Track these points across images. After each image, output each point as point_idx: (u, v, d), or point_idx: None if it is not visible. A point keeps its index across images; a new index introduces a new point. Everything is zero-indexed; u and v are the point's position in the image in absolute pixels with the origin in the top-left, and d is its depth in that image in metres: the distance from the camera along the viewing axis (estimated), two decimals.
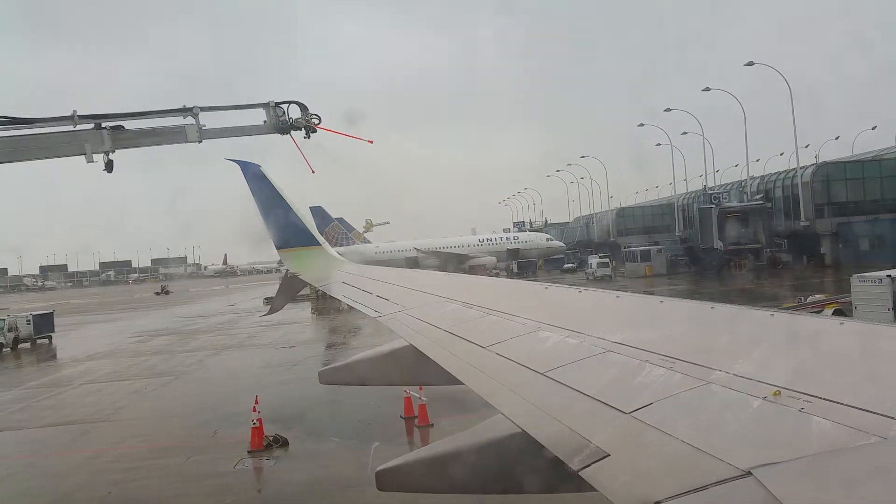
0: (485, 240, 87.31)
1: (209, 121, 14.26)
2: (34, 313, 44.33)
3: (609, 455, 2.75)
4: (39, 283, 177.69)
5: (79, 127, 13.38)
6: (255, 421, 16.57)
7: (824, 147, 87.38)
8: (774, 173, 73.05)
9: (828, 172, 64.46)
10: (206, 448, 17.44)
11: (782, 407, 2.66)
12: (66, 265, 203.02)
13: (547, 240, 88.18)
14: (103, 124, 13.42)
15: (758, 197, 67.67)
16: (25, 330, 42.33)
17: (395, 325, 7.08)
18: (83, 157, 13.32)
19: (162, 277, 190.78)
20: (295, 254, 16.95)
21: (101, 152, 13.38)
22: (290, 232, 16.95)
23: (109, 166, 13.44)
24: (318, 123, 14.61)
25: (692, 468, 2.41)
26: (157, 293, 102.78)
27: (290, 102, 14.65)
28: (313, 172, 15.67)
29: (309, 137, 14.66)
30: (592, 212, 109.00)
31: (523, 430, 3.41)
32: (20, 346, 41.56)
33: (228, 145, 15.47)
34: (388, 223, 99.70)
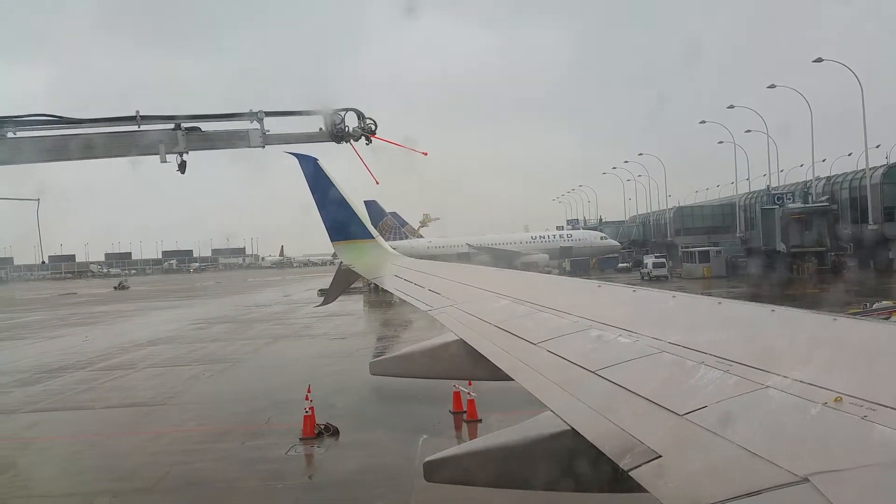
0: (537, 237, 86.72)
1: (268, 125, 13.93)
2: None
3: (661, 456, 2.70)
4: (105, 270, 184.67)
5: (147, 127, 13.45)
6: (307, 409, 16.86)
7: None
8: (841, 174, 70.33)
9: None
10: (260, 434, 17.86)
11: (844, 414, 2.57)
12: (129, 253, 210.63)
13: (601, 238, 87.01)
14: (182, 125, 13.37)
15: (823, 198, 65.39)
16: None
17: (445, 319, 7.10)
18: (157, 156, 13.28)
19: (221, 267, 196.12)
20: (349, 246, 17.17)
21: (175, 153, 13.35)
22: (344, 225, 17.17)
23: (182, 167, 13.39)
24: (374, 132, 14.06)
25: (746, 473, 2.36)
26: (116, 288, 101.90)
27: (347, 110, 14.15)
28: (377, 183, 15.13)
29: (370, 143, 14.13)
30: (649, 210, 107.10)
31: (573, 428, 3.38)
32: None
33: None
34: (439, 219, 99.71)
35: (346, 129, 13.99)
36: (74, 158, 13.55)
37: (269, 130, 13.76)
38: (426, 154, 14.88)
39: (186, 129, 13.45)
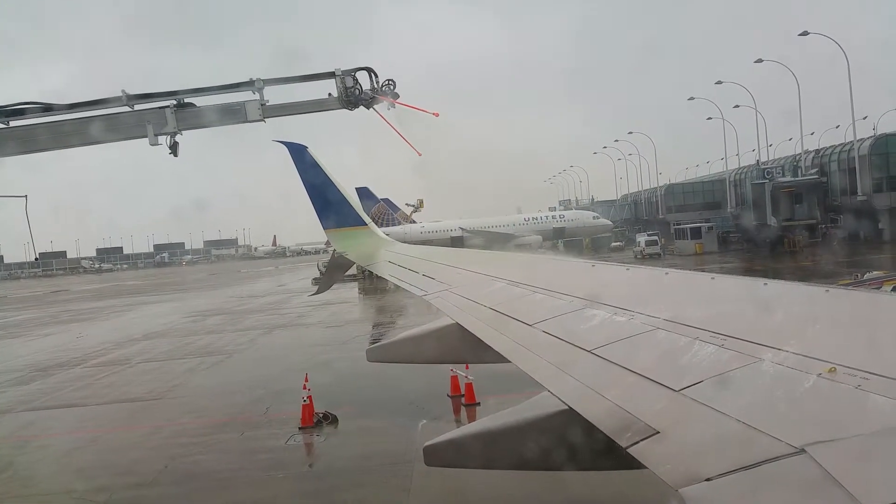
0: (530, 219, 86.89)
1: (272, 96, 12.57)
2: None
3: (658, 432, 2.73)
4: (96, 266, 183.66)
5: (141, 107, 12.32)
6: (305, 398, 16.89)
7: (883, 119, 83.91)
8: (830, 147, 70.60)
9: (887, 145, 62.01)
10: (259, 424, 17.89)
11: (838, 384, 2.60)
12: (121, 247, 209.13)
13: (593, 218, 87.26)
14: (177, 101, 12.26)
15: (812, 171, 65.65)
16: None
17: (441, 303, 7.11)
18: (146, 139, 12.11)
19: (214, 259, 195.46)
20: (342, 234, 17.13)
21: (166, 134, 12.21)
22: (336, 212, 17.12)
23: (174, 149, 12.32)
24: (387, 93, 12.44)
25: (744, 445, 2.38)
26: None
27: (358, 69, 12.47)
28: (420, 154, 13.82)
29: (394, 107, 12.50)
30: (640, 189, 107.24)
31: (570, 408, 3.40)
32: None
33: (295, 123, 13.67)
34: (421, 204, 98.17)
35: (360, 91, 12.52)
36: (54, 148, 12.59)
37: (268, 101, 12.45)
38: (437, 115, 13.48)
39: (177, 106, 12.27)
